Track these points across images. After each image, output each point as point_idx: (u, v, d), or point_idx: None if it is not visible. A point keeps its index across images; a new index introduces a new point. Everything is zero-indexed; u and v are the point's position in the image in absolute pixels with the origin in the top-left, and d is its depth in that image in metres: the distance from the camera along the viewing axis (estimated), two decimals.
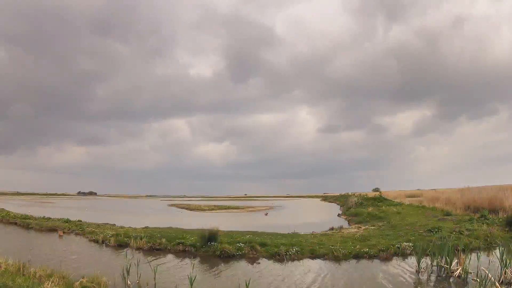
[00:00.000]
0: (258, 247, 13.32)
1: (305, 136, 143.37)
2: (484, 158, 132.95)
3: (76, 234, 19.21)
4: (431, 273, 10.55)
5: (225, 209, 49.64)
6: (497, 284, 8.45)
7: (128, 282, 9.36)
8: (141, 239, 14.99)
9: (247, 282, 8.12)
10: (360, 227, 20.92)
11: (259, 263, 12.14)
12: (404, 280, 9.92)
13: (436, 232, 15.35)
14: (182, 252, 13.79)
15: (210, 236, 13.65)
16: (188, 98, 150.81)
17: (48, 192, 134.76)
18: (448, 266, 10.50)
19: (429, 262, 11.10)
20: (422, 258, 11.05)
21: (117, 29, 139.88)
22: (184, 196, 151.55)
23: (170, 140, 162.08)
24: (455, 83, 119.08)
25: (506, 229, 15.99)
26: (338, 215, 34.87)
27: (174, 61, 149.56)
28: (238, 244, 13.41)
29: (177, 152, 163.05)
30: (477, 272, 9.62)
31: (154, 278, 9.47)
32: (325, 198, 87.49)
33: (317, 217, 34.21)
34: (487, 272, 8.96)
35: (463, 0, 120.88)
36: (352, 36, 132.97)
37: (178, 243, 14.35)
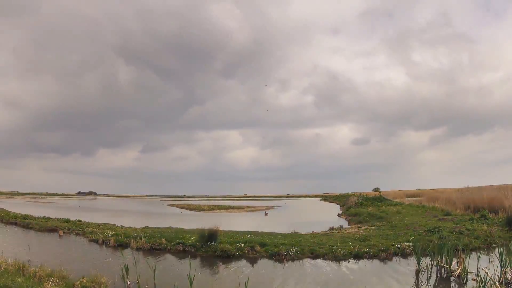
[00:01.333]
0: (258, 247, 13.31)
1: (338, 146, 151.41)
2: (484, 159, 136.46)
3: (76, 234, 19.21)
4: (431, 273, 10.55)
5: (225, 209, 49.64)
6: (497, 284, 8.44)
7: (128, 281, 9.37)
8: (141, 239, 14.99)
9: (247, 282, 8.12)
10: (360, 227, 20.92)
11: (259, 263, 12.14)
12: (404, 280, 9.92)
13: (436, 232, 15.34)
14: (182, 252, 13.78)
15: (210, 236, 13.65)
16: (264, 117, 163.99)
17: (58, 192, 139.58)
18: (448, 266, 10.50)
19: (429, 262, 11.10)
20: (422, 258, 11.05)
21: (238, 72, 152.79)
22: (184, 196, 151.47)
23: (217, 146, 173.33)
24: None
25: (506, 229, 15.98)
26: (338, 215, 34.86)
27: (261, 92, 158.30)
28: (238, 244, 13.42)
29: (217, 156, 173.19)
30: (477, 272, 9.60)
31: (154, 278, 9.47)
32: (325, 198, 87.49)
33: (317, 217, 34.21)
34: (487, 272, 8.96)
35: None
36: None
37: (178, 243, 14.35)
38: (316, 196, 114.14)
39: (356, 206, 35.68)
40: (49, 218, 25.88)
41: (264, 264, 12.00)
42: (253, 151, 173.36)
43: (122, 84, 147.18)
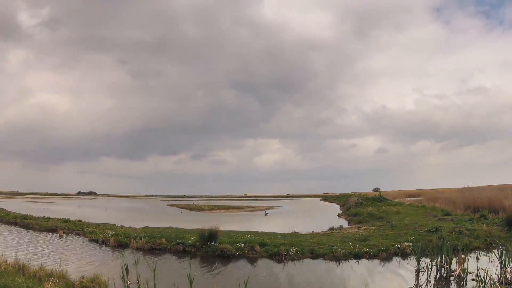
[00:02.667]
0: (258, 247, 13.31)
1: (362, 153, 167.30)
2: (484, 160, 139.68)
3: (76, 234, 19.22)
4: (431, 273, 10.55)
5: (225, 209, 49.63)
6: (497, 284, 8.45)
7: (128, 281, 9.37)
8: (141, 239, 14.99)
9: (246, 282, 8.12)
10: (360, 227, 20.93)
11: (259, 263, 12.14)
12: (404, 280, 9.92)
13: (436, 232, 15.35)
14: (182, 252, 13.78)
15: (210, 236, 13.65)
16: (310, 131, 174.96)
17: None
18: (448, 266, 10.50)
19: (429, 262, 11.11)
20: (422, 258, 11.06)
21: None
22: (184, 196, 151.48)
23: (254, 151, 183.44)
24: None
25: (506, 229, 15.98)
26: (338, 215, 34.87)
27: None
28: (238, 244, 13.42)
29: (249, 160, 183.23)
30: (477, 272, 9.61)
31: (154, 278, 9.47)
32: (325, 198, 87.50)
33: (317, 217, 34.22)
34: (487, 272, 8.96)
35: None
36: None
37: (178, 243, 14.35)
38: (316, 196, 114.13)
39: (356, 206, 35.67)
40: (49, 218, 25.88)
41: (264, 264, 12.00)
42: (284, 156, 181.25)
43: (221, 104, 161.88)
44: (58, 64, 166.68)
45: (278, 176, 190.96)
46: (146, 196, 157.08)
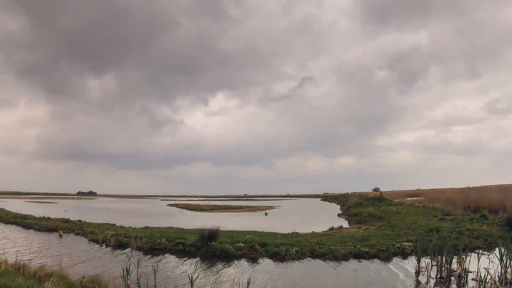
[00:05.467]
0: (258, 247, 13.31)
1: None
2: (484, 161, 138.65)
3: (76, 234, 19.22)
4: (431, 273, 10.55)
5: (225, 209, 49.63)
6: (497, 284, 8.44)
7: (128, 282, 9.36)
8: (141, 239, 14.98)
9: (247, 282, 8.12)
10: (360, 227, 20.94)
11: (259, 263, 12.14)
12: (404, 280, 9.92)
13: (436, 232, 15.34)
14: (182, 252, 13.78)
15: (210, 236, 13.65)
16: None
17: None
18: (448, 266, 10.49)
19: (429, 262, 11.11)
20: (422, 258, 11.06)
21: None
22: (184, 196, 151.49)
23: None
24: None
25: (506, 229, 15.96)
26: (338, 215, 34.86)
27: None
28: (238, 244, 13.42)
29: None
30: (477, 272, 9.61)
31: (154, 278, 9.47)
32: (326, 198, 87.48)
33: (317, 217, 34.22)
34: (487, 272, 8.96)
35: None
36: None
37: (178, 243, 14.36)
38: (316, 196, 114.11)
39: (356, 206, 35.70)
40: (49, 218, 25.89)
41: (264, 264, 12.00)
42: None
43: None
44: None
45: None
46: (146, 196, 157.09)
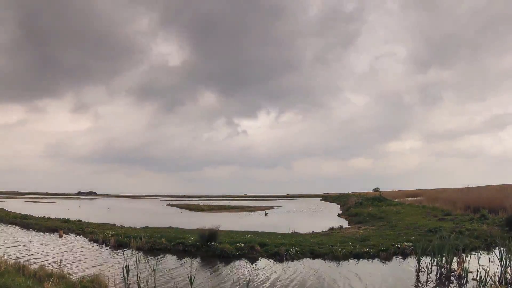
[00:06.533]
0: (258, 247, 13.31)
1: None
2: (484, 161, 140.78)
3: (76, 234, 19.22)
4: (431, 273, 10.55)
5: (225, 209, 49.62)
6: (497, 284, 8.44)
7: (128, 282, 9.35)
8: (141, 239, 14.98)
9: (247, 282, 8.12)
10: (360, 227, 20.93)
11: (259, 263, 12.14)
12: (404, 280, 9.91)
13: (436, 232, 15.34)
14: (182, 252, 13.78)
15: (210, 236, 13.65)
16: None
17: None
18: (448, 266, 10.49)
19: (429, 262, 11.10)
20: (422, 258, 11.05)
21: None
22: (183, 196, 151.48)
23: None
24: None
25: (506, 229, 15.96)
26: (338, 215, 34.86)
27: None
28: (238, 244, 13.41)
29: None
30: (477, 272, 9.61)
31: (154, 278, 9.47)
32: (325, 198, 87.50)
33: (317, 217, 34.20)
34: (487, 272, 8.96)
35: None
36: None
37: (178, 243, 14.35)
38: (316, 196, 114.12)
39: (356, 206, 35.71)
40: (49, 218, 25.91)
41: (264, 264, 11.99)
42: None
43: None
44: None
45: None
46: (146, 196, 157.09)
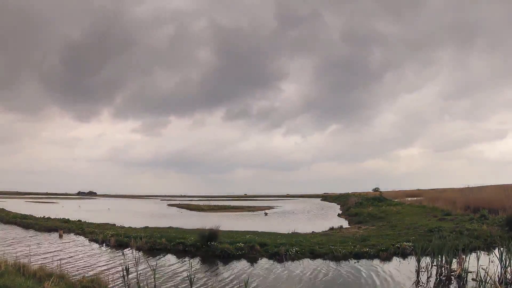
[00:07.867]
0: (258, 247, 13.31)
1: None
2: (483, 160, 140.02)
3: (76, 234, 19.22)
4: (431, 273, 10.54)
5: (225, 209, 49.63)
6: (497, 284, 8.44)
7: (128, 281, 9.36)
8: (141, 239, 14.98)
9: (247, 282, 8.12)
10: (360, 227, 20.93)
11: (259, 263, 12.14)
12: (404, 280, 9.92)
13: (436, 232, 15.34)
14: (182, 252, 13.78)
15: (210, 236, 13.64)
16: None
17: None
18: (448, 266, 10.49)
19: (429, 262, 11.09)
20: (422, 258, 11.04)
21: None
22: (183, 196, 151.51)
23: None
24: None
25: (506, 229, 15.95)
26: (338, 215, 34.87)
27: None
28: (238, 244, 13.41)
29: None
30: (477, 272, 9.60)
31: (154, 278, 9.46)
32: (325, 198, 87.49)
33: (317, 217, 34.21)
34: (487, 272, 8.95)
35: None
36: None
37: (178, 243, 14.35)
38: (316, 196, 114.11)
39: (356, 206, 35.68)
40: (49, 218, 25.90)
41: (264, 264, 12.00)
42: None
43: None
44: None
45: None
46: (147, 196, 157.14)
